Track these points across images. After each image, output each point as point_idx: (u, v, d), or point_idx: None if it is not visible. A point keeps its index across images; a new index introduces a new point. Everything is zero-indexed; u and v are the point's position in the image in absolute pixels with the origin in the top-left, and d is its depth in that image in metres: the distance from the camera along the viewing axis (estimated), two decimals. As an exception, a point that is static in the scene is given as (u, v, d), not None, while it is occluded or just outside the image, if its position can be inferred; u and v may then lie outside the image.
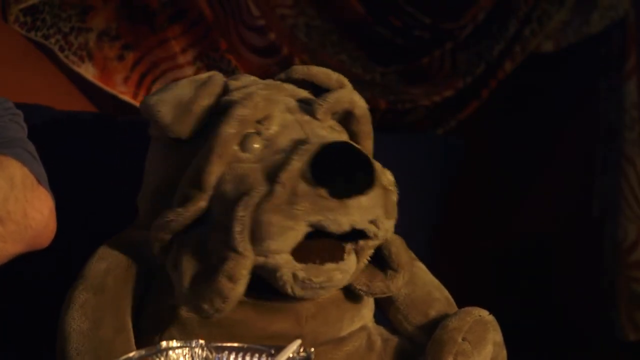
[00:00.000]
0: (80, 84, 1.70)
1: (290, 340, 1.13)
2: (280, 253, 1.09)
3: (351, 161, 1.09)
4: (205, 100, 1.17)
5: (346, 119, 1.22)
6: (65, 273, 1.22)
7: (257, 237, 1.07)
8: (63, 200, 1.11)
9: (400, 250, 1.19)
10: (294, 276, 1.11)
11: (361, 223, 1.09)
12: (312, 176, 1.06)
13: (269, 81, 1.27)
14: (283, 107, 1.18)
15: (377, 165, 1.12)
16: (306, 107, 1.20)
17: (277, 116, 1.17)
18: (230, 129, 1.13)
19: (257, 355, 0.93)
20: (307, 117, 1.18)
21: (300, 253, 1.10)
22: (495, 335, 1.21)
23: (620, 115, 2.35)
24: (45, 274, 1.25)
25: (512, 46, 2.23)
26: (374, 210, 1.10)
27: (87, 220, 1.28)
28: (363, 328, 1.24)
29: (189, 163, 1.16)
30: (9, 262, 1.09)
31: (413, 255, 1.29)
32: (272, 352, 0.92)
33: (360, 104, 1.22)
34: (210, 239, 1.12)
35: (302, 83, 1.26)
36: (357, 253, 1.14)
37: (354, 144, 1.13)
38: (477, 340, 1.18)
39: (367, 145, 1.24)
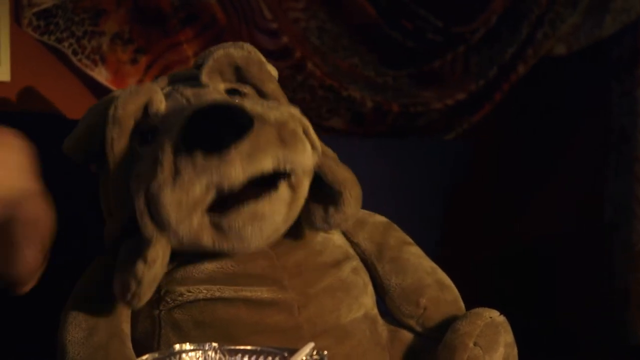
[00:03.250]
0: (94, 87, 1.70)
1: (286, 331, 1.14)
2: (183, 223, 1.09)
3: (221, 116, 1.07)
4: (89, 121, 1.21)
5: (241, 74, 1.21)
6: (70, 280, 1.23)
7: (157, 219, 1.08)
8: (76, 207, 1.11)
9: (334, 168, 1.16)
10: (215, 227, 1.10)
11: (259, 167, 1.07)
12: (184, 146, 1.06)
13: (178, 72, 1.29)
14: (165, 90, 1.20)
15: (259, 107, 1.09)
16: (196, 80, 1.21)
17: (159, 99, 1.17)
18: (112, 134, 1.15)
19: (270, 357, 0.93)
20: (196, 89, 1.19)
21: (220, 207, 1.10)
22: (506, 336, 1.20)
23: (633, 118, 2.34)
24: (48, 281, 1.25)
25: (524, 49, 2.23)
26: (265, 150, 1.07)
27: (99, 226, 1.28)
28: (366, 316, 1.22)
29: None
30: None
31: (389, 224, 1.28)
32: (285, 354, 0.92)
33: (238, 54, 1.21)
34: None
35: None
36: (291, 188, 1.12)
37: (227, 99, 1.11)
38: (488, 344, 1.18)
39: (268, 89, 1.22)
